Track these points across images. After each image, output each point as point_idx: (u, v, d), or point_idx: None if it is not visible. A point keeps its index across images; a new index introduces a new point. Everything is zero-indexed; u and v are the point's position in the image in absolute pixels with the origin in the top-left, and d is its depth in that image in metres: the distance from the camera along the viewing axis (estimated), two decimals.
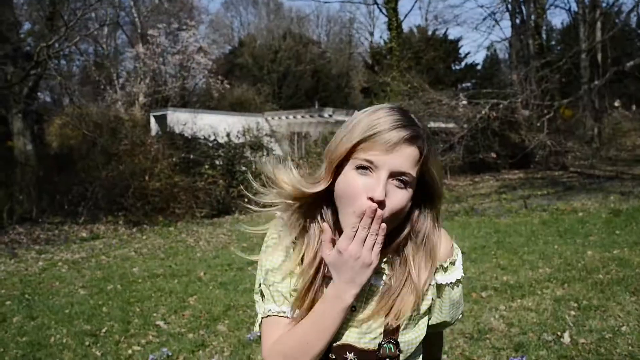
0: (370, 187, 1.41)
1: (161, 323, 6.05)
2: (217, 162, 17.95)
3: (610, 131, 24.62)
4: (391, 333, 1.52)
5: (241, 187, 17.31)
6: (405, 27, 30.72)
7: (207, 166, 17.26)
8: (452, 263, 1.59)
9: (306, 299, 1.51)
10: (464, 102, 19.86)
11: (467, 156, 18.30)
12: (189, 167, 17.04)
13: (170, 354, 5.03)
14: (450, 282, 1.59)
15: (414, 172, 1.44)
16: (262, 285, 1.62)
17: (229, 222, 15.03)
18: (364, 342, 1.52)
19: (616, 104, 30.14)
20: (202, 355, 5.08)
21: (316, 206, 1.57)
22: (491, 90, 19.18)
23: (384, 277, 1.55)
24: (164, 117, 23.60)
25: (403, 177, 1.43)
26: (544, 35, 29.91)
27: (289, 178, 1.60)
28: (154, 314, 6.41)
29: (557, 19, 66.15)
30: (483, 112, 17.14)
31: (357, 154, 1.44)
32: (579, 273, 6.72)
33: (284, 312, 1.56)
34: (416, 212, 1.55)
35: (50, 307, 6.94)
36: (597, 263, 7.16)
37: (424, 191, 1.53)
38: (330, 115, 24.49)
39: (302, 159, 20.87)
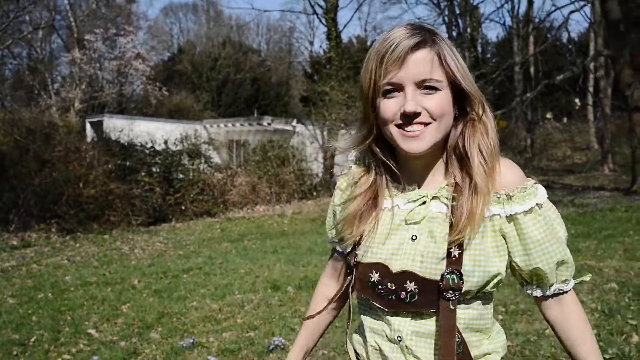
0: (401, 104, 1.44)
1: (93, 331, 5.95)
2: (154, 170, 17.77)
3: (542, 142, 25.34)
4: (454, 263, 1.46)
5: (178, 194, 17.22)
6: (344, 37, 31.10)
7: (143, 173, 17.07)
8: (524, 190, 1.48)
9: (354, 221, 1.59)
10: None
11: None
12: (125, 174, 16.81)
13: None
14: (522, 212, 1.47)
15: (438, 75, 1.45)
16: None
17: (166, 230, 14.88)
18: (426, 270, 1.48)
19: (548, 115, 31.04)
20: None
21: (374, 148, 1.59)
22: None
23: (445, 200, 1.52)
24: (100, 123, 23.20)
25: (428, 83, 1.44)
26: (479, 48, 30.69)
27: (345, 143, 1.67)
28: (86, 322, 6.31)
29: (493, 32, 67.92)
30: None
31: (379, 81, 1.45)
32: (507, 279, 6.89)
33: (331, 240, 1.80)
34: (461, 117, 1.53)
35: None
36: None
37: (459, 93, 1.50)
38: (269, 124, 24.52)
39: (240, 167, 20.85)
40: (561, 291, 1.55)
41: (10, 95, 26.16)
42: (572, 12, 17.46)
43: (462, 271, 1.45)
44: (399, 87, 1.45)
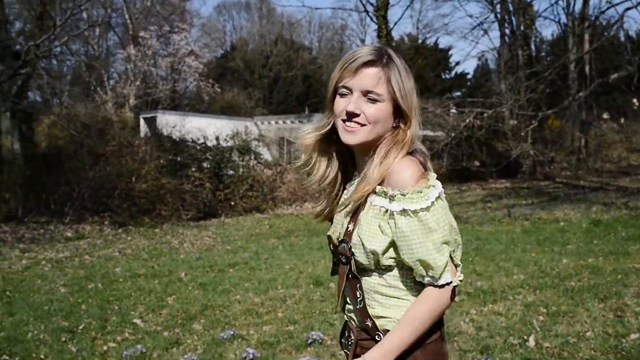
0: (346, 104, 1.83)
1: (138, 321, 6.12)
2: (204, 165, 18.01)
3: (597, 143, 24.78)
4: (347, 235, 1.85)
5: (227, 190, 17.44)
6: (395, 34, 30.97)
7: (194, 169, 17.31)
8: (403, 195, 1.73)
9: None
10: (453, 110, 20.00)
11: (451, 164, 18.52)
12: (176, 169, 17.09)
13: (144, 350, 5.10)
14: (397, 211, 1.74)
15: (380, 90, 1.82)
16: None
17: (215, 225, 15.10)
18: (334, 235, 1.94)
19: (605, 116, 30.33)
20: (175, 352, 5.16)
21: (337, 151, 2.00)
22: (477, 99, 19.32)
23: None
24: (153, 119, 23.65)
25: (371, 94, 1.81)
26: (533, 46, 30.11)
27: (310, 132, 2.03)
28: (132, 312, 6.48)
29: (547, 30, 66.71)
30: (467, 120, 17.28)
31: (338, 83, 1.87)
32: (551, 280, 6.83)
33: None
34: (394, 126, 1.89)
35: (30, 304, 7.00)
36: (571, 271, 7.27)
37: (399, 108, 1.85)
38: None
39: (290, 164, 20.97)
40: (423, 280, 1.78)
41: (68, 91, 26.84)
42: (627, 9, 16.89)
43: (351, 243, 1.81)
44: (349, 91, 1.84)
